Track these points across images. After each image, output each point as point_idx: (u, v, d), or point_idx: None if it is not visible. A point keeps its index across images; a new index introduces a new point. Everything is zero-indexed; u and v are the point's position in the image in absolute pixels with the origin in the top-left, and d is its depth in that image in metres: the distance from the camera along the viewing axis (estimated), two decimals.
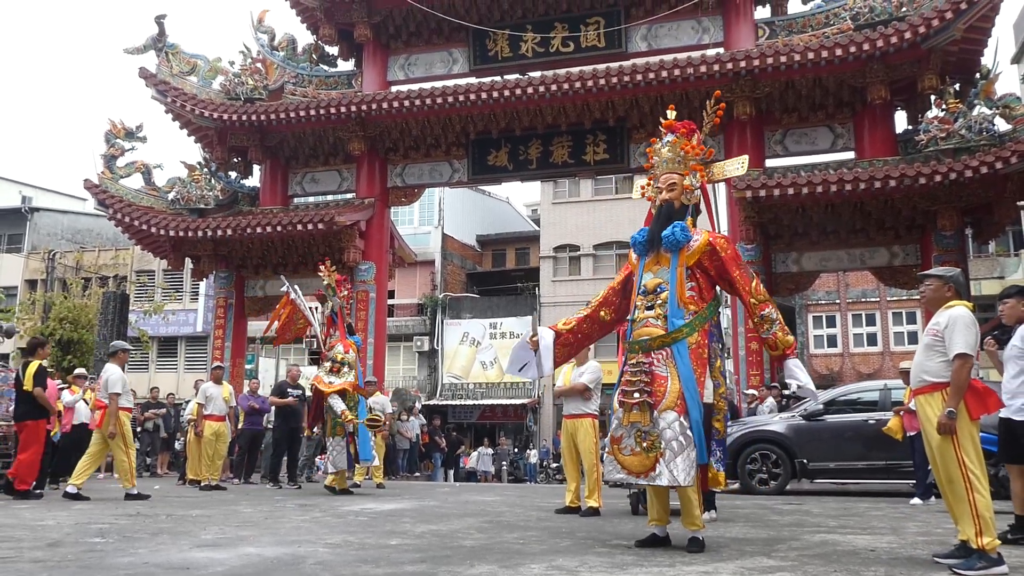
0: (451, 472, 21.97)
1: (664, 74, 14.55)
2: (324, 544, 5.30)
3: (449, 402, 30.48)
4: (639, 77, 14.69)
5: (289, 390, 13.24)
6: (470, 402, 30.73)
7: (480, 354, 31.12)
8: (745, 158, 6.09)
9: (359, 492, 10.94)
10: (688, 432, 4.91)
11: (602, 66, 15.25)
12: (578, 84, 14.97)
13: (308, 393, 14.53)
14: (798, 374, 5.34)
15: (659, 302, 5.19)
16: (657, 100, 15.64)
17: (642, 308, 5.26)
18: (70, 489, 9.50)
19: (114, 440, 9.41)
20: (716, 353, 5.32)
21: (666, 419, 4.95)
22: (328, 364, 10.49)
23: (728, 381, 15.98)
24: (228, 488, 11.96)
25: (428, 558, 4.67)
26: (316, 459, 16.02)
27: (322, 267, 11.34)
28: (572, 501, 8.07)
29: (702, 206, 5.70)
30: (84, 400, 12.37)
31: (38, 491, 10.42)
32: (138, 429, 16.42)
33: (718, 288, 5.47)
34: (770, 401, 13.08)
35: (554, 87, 15.13)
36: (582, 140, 16.58)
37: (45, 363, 10.40)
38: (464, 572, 4.16)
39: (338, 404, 10.33)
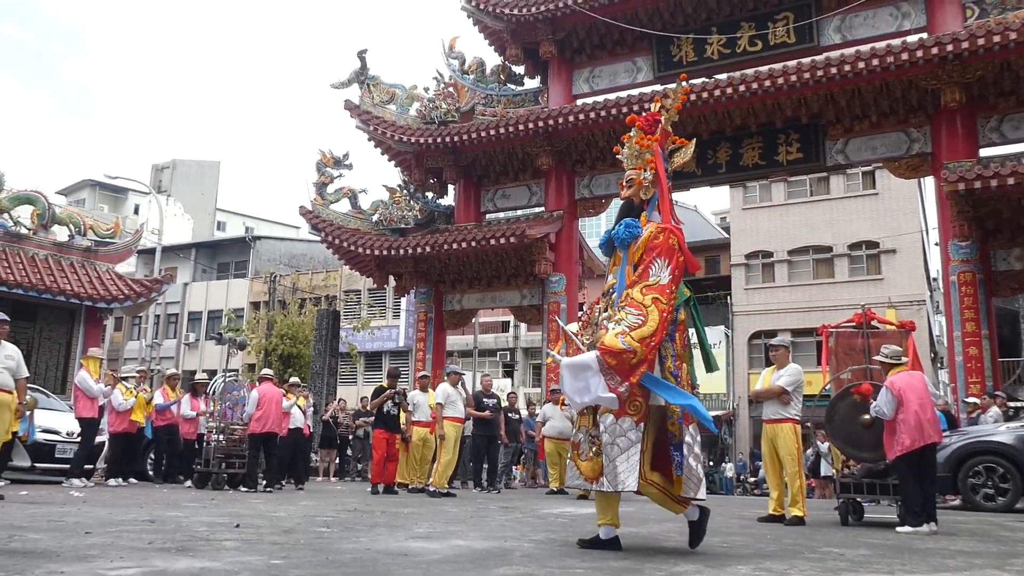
0: None
1: (861, 65, 13.84)
2: (529, 540, 5.48)
3: None
4: (834, 70, 14.04)
5: (485, 400, 13.72)
6: None
7: None
8: (692, 143, 5.73)
9: (556, 498, 11.18)
10: (629, 436, 4.71)
11: (793, 62, 14.72)
12: (767, 83, 14.53)
13: (504, 403, 14.99)
14: (563, 375, 4.78)
15: (610, 303, 5.00)
16: (854, 93, 14.92)
17: (600, 311, 5.13)
18: (431, 489, 11.21)
19: (443, 442, 11.31)
20: (668, 352, 4.88)
21: (604, 422, 4.80)
22: None
23: (944, 390, 14.86)
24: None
25: (631, 556, 4.73)
26: (512, 467, 16.46)
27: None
28: (775, 509, 7.84)
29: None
30: (298, 406, 13.43)
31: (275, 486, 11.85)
32: (350, 437, 17.58)
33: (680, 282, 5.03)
34: (994, 410, 12.05)
35: (742, 87, 14.77)
36: (773, 140, 16.06)
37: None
38: (670, 569, 4.17)
39: None
